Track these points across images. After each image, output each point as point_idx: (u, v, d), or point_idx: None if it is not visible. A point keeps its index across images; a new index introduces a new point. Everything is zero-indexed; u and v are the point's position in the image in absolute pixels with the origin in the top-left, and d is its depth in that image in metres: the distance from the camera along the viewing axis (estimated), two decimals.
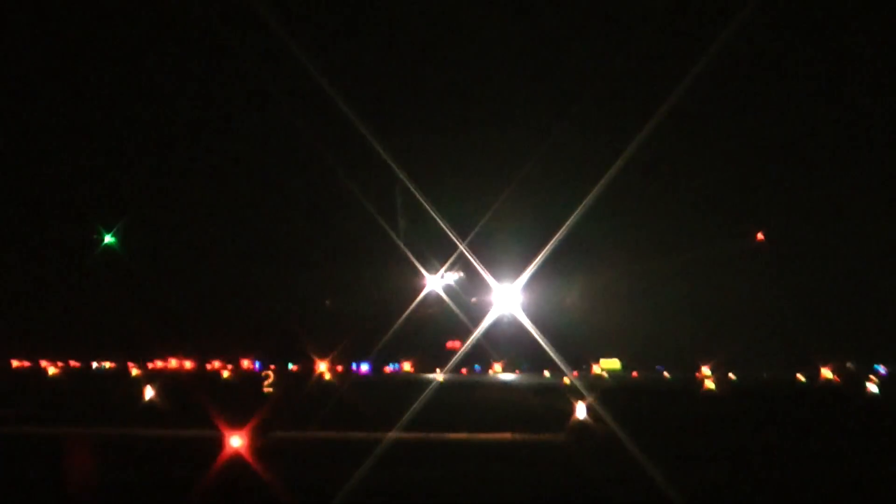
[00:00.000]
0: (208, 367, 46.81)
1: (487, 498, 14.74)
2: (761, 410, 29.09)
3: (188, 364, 46.80)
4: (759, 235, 44.40)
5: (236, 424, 18.53)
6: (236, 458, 17.48)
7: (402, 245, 46.25)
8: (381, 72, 49.22)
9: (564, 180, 45.36)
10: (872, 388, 38.48)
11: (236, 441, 18.11)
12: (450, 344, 45.72)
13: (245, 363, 46.24)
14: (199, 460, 16.70)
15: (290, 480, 15.30)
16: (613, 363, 47.27)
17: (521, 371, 46.39)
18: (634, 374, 45.93)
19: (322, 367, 38.60)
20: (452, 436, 21.46)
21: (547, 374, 44.42)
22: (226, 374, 45.78)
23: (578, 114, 42.07)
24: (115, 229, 40.73)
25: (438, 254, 45.36)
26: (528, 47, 47.31)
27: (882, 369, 42.31)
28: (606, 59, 41.04)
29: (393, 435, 20.36)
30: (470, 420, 23.26)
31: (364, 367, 45.13)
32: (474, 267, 42.85)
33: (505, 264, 42.69)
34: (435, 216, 36.84)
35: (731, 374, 44.14)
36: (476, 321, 42.90)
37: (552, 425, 22.65)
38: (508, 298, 41.14)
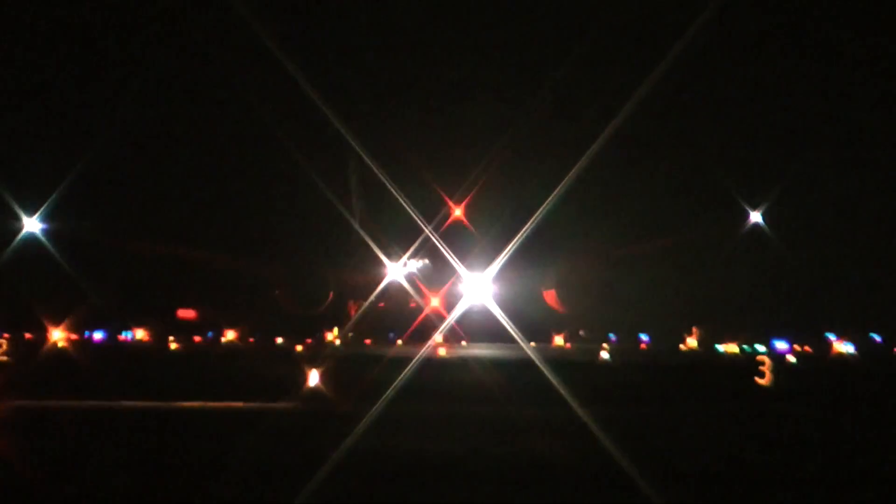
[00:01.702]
0: None
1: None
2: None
3: None
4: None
5: None
6: None
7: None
8: (335, 35, 46.06)
9: (538, 159, 44.16)
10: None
11: None
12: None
13: None
14: None
15: (26, 450, 15.91)
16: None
17: None
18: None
19: (57, 334, 37.66)
20: (185, 404, 22.22)
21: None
22: None
23: (555, 87, 40.91)
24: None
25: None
26: (503, 19, 45.17)
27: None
28: (585, 35, 39.86)
29: (132, 404, 21.50)
30: (205, 390, 24.16)
31: (98, 335, 44.23)
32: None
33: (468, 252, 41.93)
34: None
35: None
36: None
37: (285, 394, 23.36)
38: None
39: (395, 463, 14.85)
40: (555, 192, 33.31)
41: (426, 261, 47.44)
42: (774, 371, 29.59)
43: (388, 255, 42.77)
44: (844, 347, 46.44)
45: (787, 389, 27.28)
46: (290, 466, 14.52)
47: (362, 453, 15.44)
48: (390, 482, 13.46)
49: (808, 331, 47.04)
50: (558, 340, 47.73)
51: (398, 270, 44.03)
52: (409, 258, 44.02)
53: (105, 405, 21.37)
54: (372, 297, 45.91)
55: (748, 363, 33.23)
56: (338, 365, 30.35)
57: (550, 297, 46.76)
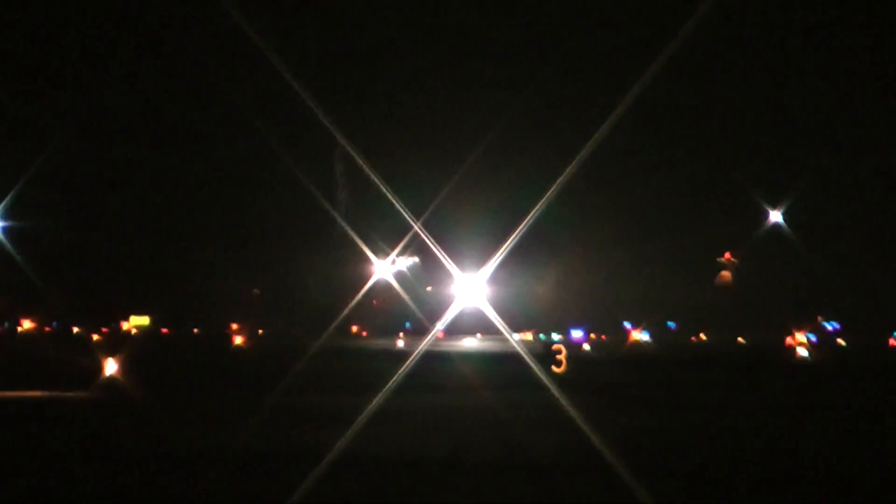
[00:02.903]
0: None
1: None
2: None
3: None
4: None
5: None
6: None
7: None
8: (322, 25, 43.03)
9: (533, 153, 42.28)
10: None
11: None
12: None
13: None
14: None
15: None
16: None
17: None
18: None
19: None
20: None
21: None
22: None
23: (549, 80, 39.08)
24: None
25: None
26: (499, 8, 42.89)
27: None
28: (580, 29, 38.33)
29: None
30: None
31: None
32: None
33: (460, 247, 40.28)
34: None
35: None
36: None
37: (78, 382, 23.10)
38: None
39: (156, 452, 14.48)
40: (547, 194, 32.77)
41: (416, 258, 46.66)
42: (569, 359, 30.62)
43: (375, 252, 41.76)
44: (641, 336, 48.80)
45: (581, 377, 27.74)
46: (62, 454, 14.14)
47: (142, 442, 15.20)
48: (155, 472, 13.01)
49: (605, 320, 49.10)
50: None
51: (385, 267, 42.98)
52: (397, 255, 43.06)
53: None
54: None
55: (545, 352, 34.05)
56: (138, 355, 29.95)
57: None
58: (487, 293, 41.26)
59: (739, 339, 48.83)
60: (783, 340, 44.50)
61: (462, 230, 42.53)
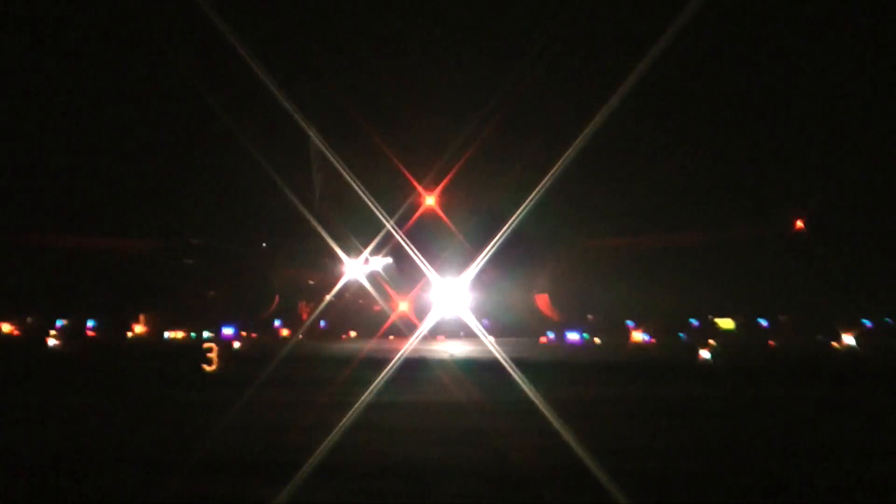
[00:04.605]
0: None
1: None
2: None
3: None
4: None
5: None
6: None
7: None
8: (301, 12, 41.42)
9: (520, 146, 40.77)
10: None
11: None
12: None
13: None
14: None
15: None
16: None
17: None
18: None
19: None
20: None
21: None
22: None
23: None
24: None
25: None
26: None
27: None
28: (570, 20, 36.83)
29: None
30: None
31: None
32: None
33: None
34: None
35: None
36: None
37: None
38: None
39: None
40: (528, 199, 31.45)
41: (390, 259, 45.57)
42: (222, 357, 30.84)
43: (346, 251, 40.68)
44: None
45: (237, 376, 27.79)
46: None
47: None
48: None
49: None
50: None
51: (357, 268, 41.51)
52: (370, 254, 41.98)
53: None
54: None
55: (195, 349, 33.91)
56: None
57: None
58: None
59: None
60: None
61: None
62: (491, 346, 35.57)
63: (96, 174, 45.14)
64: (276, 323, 50.92)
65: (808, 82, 46.79)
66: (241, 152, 38.45)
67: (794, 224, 47.16)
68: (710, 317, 49.59)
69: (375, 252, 42.99)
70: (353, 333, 52.45)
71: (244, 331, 47.54)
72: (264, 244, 49.58)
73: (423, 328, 40.23)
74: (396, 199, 36.59)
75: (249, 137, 37.18)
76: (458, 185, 41.00)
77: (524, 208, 32.48)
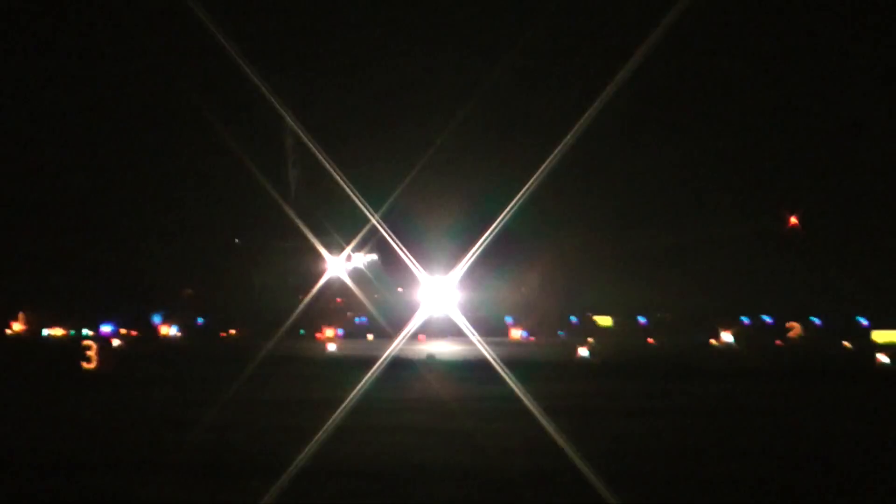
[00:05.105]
0: None
1: None
2: None
3: None
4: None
5: None
6: None
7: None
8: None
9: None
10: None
11: None
12: None
13: None
14: None
15: None
16: None
17: None
18: None
19: None
20: None
21: None
22: None
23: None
24: None
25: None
26: None
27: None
28: (555, 15, 35.58)
29: None
30: None
31: None
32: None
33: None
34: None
35: None
36: None
37: None
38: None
39: None
40: (518, 196, 30.79)
41: (374, 255, 44.29)
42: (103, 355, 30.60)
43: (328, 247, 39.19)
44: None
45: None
46: None
47: None
48: None
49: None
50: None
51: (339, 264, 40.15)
52: (352, 251, 40.50)
53: None
54: None
55: (73, 347, 33.65)
56: None
57: None
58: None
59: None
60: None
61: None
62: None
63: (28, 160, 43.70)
64: (156, 320, 49.67)
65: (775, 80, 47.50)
66: (211, 137, 37.58)
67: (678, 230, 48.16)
68: (589, 315, 50.39)
69: (359, 248, 42.07)
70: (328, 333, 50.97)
71: (124, 328, 46.81)
72: (237, 240, 48.45)
73: (410, 328, 39.73)
74: (381, 194, 36.03)
75: (220, 124, 36.34)
76: (444, 183, 40.78)
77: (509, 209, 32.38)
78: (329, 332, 51.10)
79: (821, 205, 48.72)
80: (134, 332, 47.70)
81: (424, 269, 39.47)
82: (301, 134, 35.09)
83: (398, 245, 36.57)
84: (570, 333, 47.97)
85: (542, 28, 39.99)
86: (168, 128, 42.24)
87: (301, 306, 42.28)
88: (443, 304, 40.02)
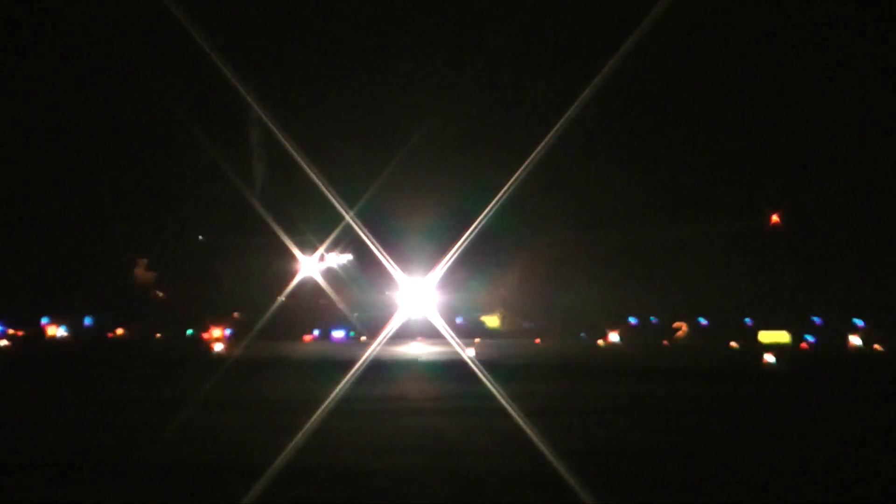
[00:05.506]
0: None
1: None
2: None
3: None
4: None
5: None
6: None
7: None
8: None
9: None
10: None
11: None
12: None
13: None
14: None
15: None
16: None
17: None
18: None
19: None
20: None
21: None
22: None
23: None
24: None
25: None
26: None
27: None
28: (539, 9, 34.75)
29: None
30: None
31: None
32: None
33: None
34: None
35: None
36: None
37: None
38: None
39: None
40: (500, 192, 31.58)
41: (349, 255, 42.21)
42: None
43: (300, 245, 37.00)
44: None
45: None
46: None
47: None
48: None
49: None
50: None
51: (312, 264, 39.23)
52: (326, 250, 39.68)
53: None
54: None
55: None
56: None
57: None
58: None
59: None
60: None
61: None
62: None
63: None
64: (44, 320, 47.64)
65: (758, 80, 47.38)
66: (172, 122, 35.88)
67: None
68: (477, 315, 49.87)
69: (332, 248, 40.54)
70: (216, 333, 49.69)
71: (12, 328, 44.84)
72: (200, 237, 46.43)
73: (389, 329, 38.14)
74: (357, 192, 34.75)
75: (184, 110, 34.64)
76: (422, 181, 39.84)
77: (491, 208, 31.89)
78: (216, 332, 49.82)
79: (723, 210, 49.35)
80: (20, 333, 45.90)
81: (402, 270, 38.75)
82: (274, 129, 33.92)
83: (374, 244, 35.58)
84: (458, 335, 47.52)
85: (520, 28, 39.97)
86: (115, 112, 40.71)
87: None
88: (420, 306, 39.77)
